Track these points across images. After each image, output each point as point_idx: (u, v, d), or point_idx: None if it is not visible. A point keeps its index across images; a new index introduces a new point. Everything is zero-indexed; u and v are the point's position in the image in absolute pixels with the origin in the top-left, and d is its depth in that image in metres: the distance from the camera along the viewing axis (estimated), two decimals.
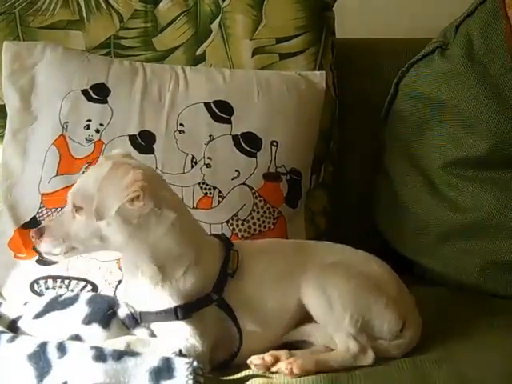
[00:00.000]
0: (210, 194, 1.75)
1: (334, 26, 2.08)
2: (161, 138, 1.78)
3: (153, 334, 1.48)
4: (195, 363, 1.34)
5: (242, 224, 1.74)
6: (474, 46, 1.93)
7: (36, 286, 1.67)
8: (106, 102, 1.81)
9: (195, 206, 1.73)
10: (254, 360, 1.43)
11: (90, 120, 1.79)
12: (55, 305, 1.56)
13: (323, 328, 1.49)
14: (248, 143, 1.80)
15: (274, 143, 1.82)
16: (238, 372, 1.44)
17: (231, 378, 1.43)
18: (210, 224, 1.71)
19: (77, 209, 1.42)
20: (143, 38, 1.99)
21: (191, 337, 1.43)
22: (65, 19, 1.96)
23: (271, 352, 1.44)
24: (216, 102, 1.82)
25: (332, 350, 1.48)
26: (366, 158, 2.11)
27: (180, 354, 1.40)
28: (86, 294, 1.59)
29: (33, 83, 1.84)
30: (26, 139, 1.80)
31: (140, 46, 1.99)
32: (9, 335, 1.45)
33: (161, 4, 2.00)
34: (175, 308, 1.42)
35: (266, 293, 1.50)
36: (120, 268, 1.61)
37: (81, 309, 1.52)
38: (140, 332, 1.49)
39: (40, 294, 1.66)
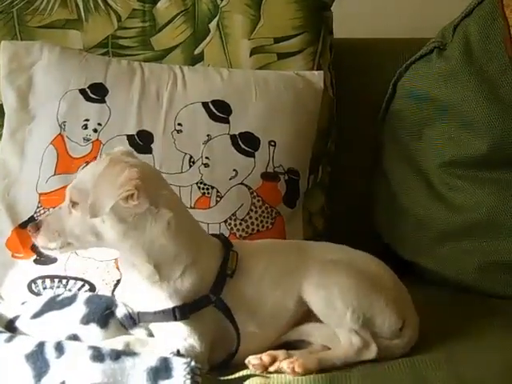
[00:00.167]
0: (208, 193, 1.75)
1: (332, 25, 2.08)
2: (159, 138, 1.78)
3: (151, 334, 1.48)
4: (193, 363, 1.33)
5: (240, 224, 1.74)
6: (472, 46, 1.93)
7: (34, 286, 1.67)
8: (104, 101, 1.80)
9: (193, 205, 1.73)
10: (252, 360, 1.42)
11: (87, 120, 1.79)
12: (53, 305, 1.56)
13: (322, 328, 1.49)
14: (246, 143, 1.80)
15: (272, 143, 1.82)
16: (235, 372, 1.43)
17: (229, 377, 1.42)
18: (208, 224, 1.71)
19: (73, 204, 1.43)
20: (141, 38, 1.99)
21: (189, 337, 1.43)
22: (63, 19, 1.96)
23: (269, 352, 1.44)
24: (214, 102, 1.82)
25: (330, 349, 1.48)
26: (364, 158, 2.11)
27: (178, 354, 1.40)
28: (84, 294, 1.58)
29: (30, 83, 1.84)
30: (23, 139, 1.80)
31: (138, 46, 1.98)
32: (6, 335, 1.44)
33: (159, 3, 2.00)
34: (173, 308, 1.42)
35: (265, 293, 1.49)
36: (118, 268, 1.61)
37: (79, 309, 1.52)
38: (138, 332, 1.48)
39: (38, 294, 1.66)
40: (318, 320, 1.50)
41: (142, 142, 1.78)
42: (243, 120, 1.82)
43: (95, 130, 1.78)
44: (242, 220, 1.75)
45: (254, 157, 1.80)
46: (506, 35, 1.90)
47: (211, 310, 1.45)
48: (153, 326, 1.47)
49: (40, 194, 1.74)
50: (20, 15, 1.94)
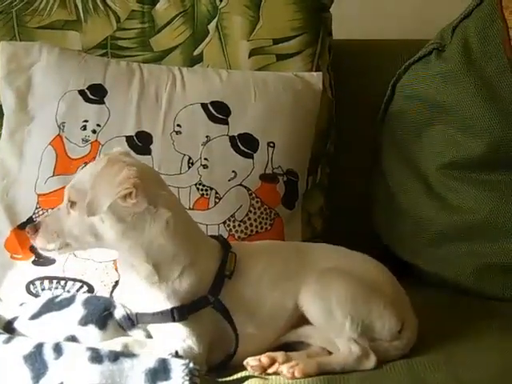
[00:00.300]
0: (207, 194, 1.75)
1: (331, 27, 2.08)
2: (158, 139, 1.78)
3: (149, 336, 1.48)
4: (191, 364, 1.34)
5: (239, 225, 1.74)
6: (471, 48, 1.93)
7: (32, 287, 1.67)
8: (103, 102, 1.80)
9: (192, 206, 1.73)
10: (251, 361, 1.43)
11: (86, 120, 1.79)
12: (51, 306, 1.56)
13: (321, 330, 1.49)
14: (245, 144, 1.80)
15: (271, 144, 1.82)
16: (234, 373, 1.43)
17: (228, 379, 1.43)
18: (207, 225, 1.71)
19: (71, 204, 1.43)
20: (140, 39, 1.99)
21: (188, 338, 1.43)
22: (62, 19, 1.96)
23: (268, 354, 1.44)
24: (213, 103, 1.82)
25: (329, 352, 1.48)
26: (363, 160, 2.11)
27: (176, 355, 1.40)
28: (82, 295, 1.58)
29: (29, 83, 1.84)
30: (22, 139, 1.80)
31: (137, 47, 1.99)
32: (5, 336, 1.44)
33: (158, 5, 2.00)
34: (172, 309, 1.42)
35: (263, 295, 1.49)
36: (116, 269, 1.61)
37: (77, 310, 1.52)
38: (136, 333, 1.48)
39: (36, 295, 1.66)
40: None
41: (140, 142, 1.78)
42: (242, 121, 1.82)
43: (94, 131, 1.78)
44: (240, 221, 1.75)
45: (252, 158, 1.80)
46: (504, 37, 1.90)
47: (209, 311, 1.45)
48: (151, 327, 1.47)
49: (39, 195, 1.74)
50: (19, 16, 1.94)
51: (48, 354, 1.36)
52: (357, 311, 1.47)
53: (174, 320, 1.42)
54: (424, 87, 1.98)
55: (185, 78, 1.86)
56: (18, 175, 1.78)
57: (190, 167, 1.77)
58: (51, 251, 1.44)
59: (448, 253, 1.93)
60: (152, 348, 1.43)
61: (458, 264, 1.91)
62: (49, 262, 1.66)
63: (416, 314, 1.56)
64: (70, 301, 1.55)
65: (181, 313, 1.42)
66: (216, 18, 1.99)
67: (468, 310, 1.78)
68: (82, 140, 1.77)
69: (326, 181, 2.04)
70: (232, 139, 1.80)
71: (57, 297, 1.59)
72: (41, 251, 1.45)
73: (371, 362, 1.45)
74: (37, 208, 1.73)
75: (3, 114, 1.85)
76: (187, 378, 1.32)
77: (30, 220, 1.71)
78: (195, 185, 1.76)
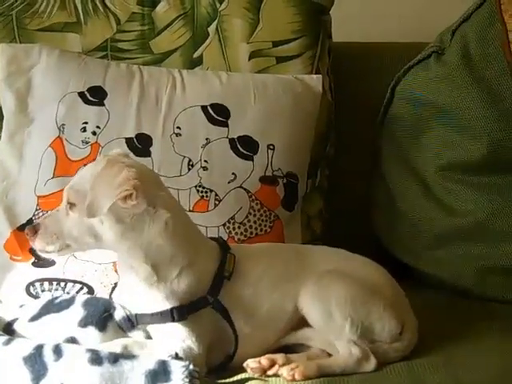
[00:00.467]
0: (207, 197, 1.75)
1: (330, 29, 2.09)
2: (157, 141, 1.78)
3: (149, 337, 1.48)
4: (191, 366, 1.34)
5: (239, 227, 1.74)
6: (470, 51, 1.93)
7: (32, 289, 1.67)
8: (103, 104, 1.81)
9: (191, 209, 1.73)
10: (250, 363, 1.43)
11: (86, 122, 1.79)
12: (51, 307, 1.55)
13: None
14: (244, 146, 1.81)
15: (271, 146, 1.82)
16: (234, 375, 1.43)
17: (227, 381, 1.43)
18: (207, 227, 1.71)
19: (70, 205, 1.43)
20: (140, 41, 1.99)
21: (187, 338, 1.43)
22: (62, 21, 1.96)
23: (267, 355, 1.44)
24: (213, 105, 1.82)
25: (329, 354, 1.49)
26: (363, 162, 2.11)
27: (176, 356, 1.40)
28: (82, 297, 1.58)
29: (29, 86, 1.84)
30: (22, 141, 1.80)
31: (137, 49, 1.99)
32: (4, 338, 1.44)
33: (158, 7, 2.00)
34: (171, 310, 1.42)
35: (263, 296, 1.50)
36: (116, 271, 1.61)
37: (77, 311, 1.52)
38: (136, 335, 1.48)
39: (36, 297, 1.66)
40: None
41: (140, 145, 1.78)
42: (242, 123, 1.82)
43: (94, 133, 1.78)
44: (240, 223, 1.75)
45: (252, 160, 1.80)
46: (503, 40, 1.90)
47: (209, 311, 1.45)
48: (151, 328, 1.47)
49: (38, 197, 1.74)
50: (19, 18, 1.95)
51: (48, 355, 1.36)
52: (356, 313, 1.47)
53: (173, 320, 1.42)
54: (423, 90, 1.98)
55: (185, 81, 1.86)
56: (18, 177, 1.78)
57: (189, 169, 1.77)
58: (51, 253, 1.44)
59: (447, 255, 1.93)
60: (152, 349, 1.43)
61: (458, 266, 1.92)
62: (48, 263, 1.66)
63: (416, 316, 1.56)
64: (69, 302, 1.55)
65: (180, 313, 1.42)
66: (216, 21, 1.99)
67: (468, 312, 1.78)
68: (82, 142, 1.77)
69: (325, 183, 2.04)
70: (232, 141, 1.80)
71: (56, 298, 1.59)
72: (40, 253, 1.46)
73: (371, 364, 1.45)
74: (36, 210, 1.73)
75: (3, 116, 1.85)
76: (187, 379, 1.32)
77: (30, 222, 1.71)
78: (195, 187, 1.76)
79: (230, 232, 1.74)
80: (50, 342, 1.41)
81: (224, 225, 1.74)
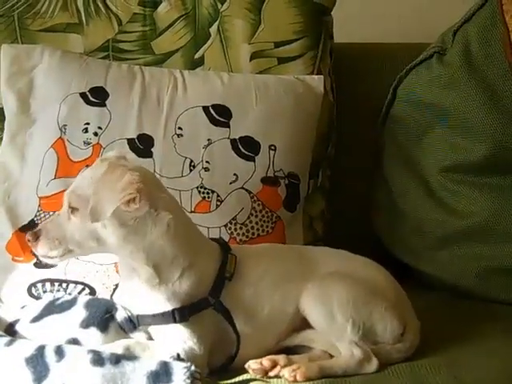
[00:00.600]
0: (208, 197, 1.75)
1: (332, 30, 2.08)
2: (159, 142, 1.78)
3: (150, 338, 1.48)
4: (193, 367, 1.34)
5: (241, 228, 1.74)
6: (472, 52, 1.93)
7: (34, 290, 1.67)
8: (105, 105, 1.81)
9: (193, 209, 1.73)
10: (252, 364, 1.42)
11: (88, 123, 1.79)
12: (53, 308, 1.55)
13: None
14: (246, 147, 1.80)
15: (272, 147, 1.82)
16: (235, 376, 1.43)
17: (229, 382, 1.42)
18: (208, 228, 1.71)
19: (72, 210, 1.42)
20: (142, 42, 1.99)
21: (189, 339, 1.43)
22: (64, 22, 1.96)
23: (269, 356, 1.44)
24: (214, 106, 1.82)
25: (331, 355, 1.48)
26: (364, 163, 2.11)
27: (178, 357, 1.40)
28: (84, 298, 1.58)
29: (31, 86, 1.84)
30: (24, 142, 1.80)
31: (138, 50, 1.99)
32: (6, 339, 1.44)
33: (159, 8, 2.00)
34: (173, 310, 1.42)
35: (264, 297, 1.50)
36: (117, 271, 1.61)
37: (78, 312, 1.52)
38: (137, 335, 1.48)
39: (38, 298, 1.65)
40: None
41: (142, 145, 1.78)
42: (243, 124, 1.82)
43: (96, 134, 1.78)
44: (242, 224, 1.75)
45: (254, 161, 1.80)
46: (505, 41, 1.90)
47: (210, 312, 1.45)
48: (152, 330, 1.47)
49: (40, 198, 1.74)
50: (21, 19, 1.95)
51: (50, 356, 1.36)
52: (358, 314, 1.47)
53: (174, 321, 1.42)
54: (425, 91, 1.98)
55: (186, 81, 1.86)
56: (20, 178, 1.78)
57: (191, 170, 1.77)
58: (53, 258, 1.44)
59: (450, 256, 1.93)
60: (154, 350, 1.43)
61: (460, 267, 1.92)
62: (50, 264, 1.65)
63: (418, 317, 1.56)
64: (71, 303, 1.55)
65: (182, 314, 1.42)
66: (217, 21, 1.99)
67: (470, 313, 1.78)
68: (84, 143, 1.77)
69: (327, 184, 2.04)
70: (233, 142, 1.80)
71: (58, 299, 1.59)
72: (42, 258, 1.45)
73: (373, 365, 1.45)
74: (38, 211, 1.73)
75: (5, 117, 1.85)
76: (189, 380, 1.32)
77: (32, 222, 1.71)
78: (197, 188, 1.76)
79: (231, 233, 1.74)
80: (51, 342, 1.41)
81: (226, 225, 1.74)
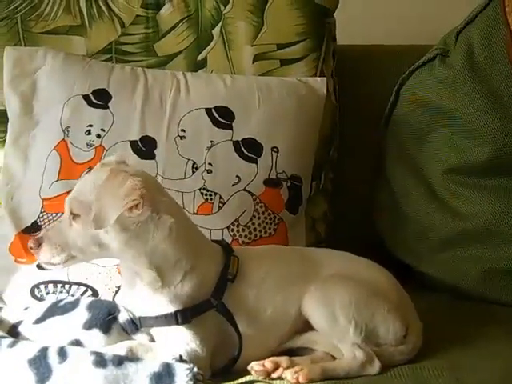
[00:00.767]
0: (211, 199, 1.75)
1: (335, 32, 2.09)
2: (162, 144, 1.78)
3: (153, 340, 1.48)
4: (195, 369, 1.34)
5: (243, 230, 1.75)
6: (475, 53, 1.93)
7: (36, 291, 1.67)
8: (107, 107, 1.81)
9: (196, 211, 1.73)
10: (255, 366, 1.43)
11: (91, 125, 1.79)
12: (55, 310, 1.56)
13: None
14: (249, 149, 1.81)
15: (275, 149, 1.82)
16: (238, 378, 1.43)
17: (231, 383, 1.42)
18: (211, 230, 1.71)
19: (74, 216, 1.42)
20: (144, 44, 1.99)
21: (191, 341, 1.43)
22: (66, 24, 1.97)
23: (272, 358, 1.44)
24: (217, 108, 1.83)
25: (333, 357, 1.48)
26: (367, 165, 2.12)
27: (181, 359, 1.40)
28: (86, 299, 1.58)
29: (34, 88, 1.84)
30: (27, 144, 1.81)
31: (141, 52, 1.99)
32: (9, 340, 1.44)
33: (162, 10, 2.01)
34: (175, 313, 1.42)
35: (266, 299, 1.50)
36: (120, 273, 1.61)
37: (81, 314, 1.52)
38: (140, 337, 1.49)
39: (40, 299, 1.66)
40: None
41: (145, 147, 1.78)
42: (246, 126, 1.82)
43: (98, 136, 1.78)
44: (244, 226, 1.75)
45: (256, 163, 1.80)
46: (508, 42, 1.90)
47: (213, 314, 1.45)
48: (154, 331, 1.47)
49: (43, 200, 1.74)
50: (24, 21, 1.95)
51: (52, 357, 1.36)
52: (360, 316, 1.47)
53: (177, 323, 1.42)
54: (428, 92, 1.98)
55: (189, 83, 1.87)
56: (23, 180, 1.78)
57: (194, 172, 1.77)
58: (56, 265, 1.43)
59: (452, 258, 1.93)
60: (156, 352, 1.43)
61: (462, 269, 1.91)
62: None
63: (420, 319, 1.56)
64: (74, 305, 1.55)
65: (184, 316, 1.42)
66: (220, 23, 1.99)
67: (472, 315, 1.78)
68: (87, 145, 1.77)
69: (329, 186, 2.04)
70: (236, 144, 1.80)
71: (61, 301, 1.59)
72: (45, 265, 1.45)
73: (375, 367, 1.45)
74: (41, 212, 1.73)
75: (8, 119, 1.85)
76: (191, 382, 1.32)
77: (35, 224, 1.72)
78: (199, 189, 1.76)
79: (234, 235, 1.74)
80: (54, 344, 1.41)
81: (228, 227, 1.74)
